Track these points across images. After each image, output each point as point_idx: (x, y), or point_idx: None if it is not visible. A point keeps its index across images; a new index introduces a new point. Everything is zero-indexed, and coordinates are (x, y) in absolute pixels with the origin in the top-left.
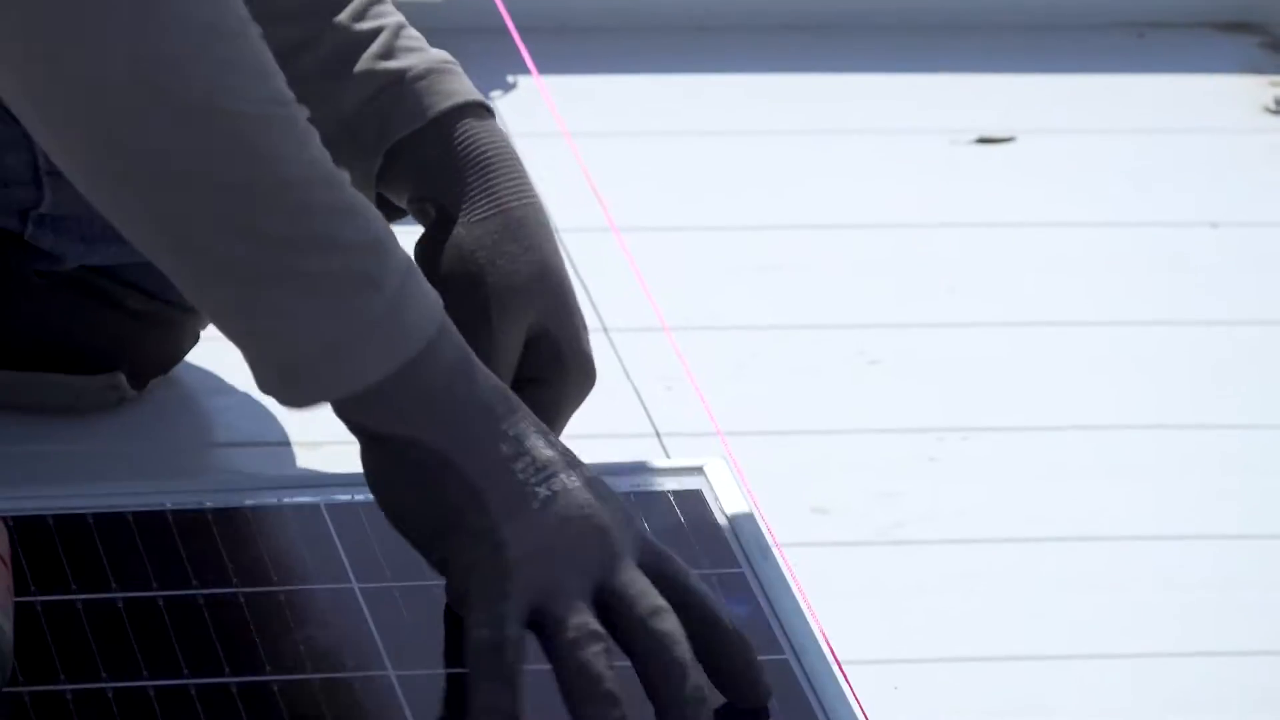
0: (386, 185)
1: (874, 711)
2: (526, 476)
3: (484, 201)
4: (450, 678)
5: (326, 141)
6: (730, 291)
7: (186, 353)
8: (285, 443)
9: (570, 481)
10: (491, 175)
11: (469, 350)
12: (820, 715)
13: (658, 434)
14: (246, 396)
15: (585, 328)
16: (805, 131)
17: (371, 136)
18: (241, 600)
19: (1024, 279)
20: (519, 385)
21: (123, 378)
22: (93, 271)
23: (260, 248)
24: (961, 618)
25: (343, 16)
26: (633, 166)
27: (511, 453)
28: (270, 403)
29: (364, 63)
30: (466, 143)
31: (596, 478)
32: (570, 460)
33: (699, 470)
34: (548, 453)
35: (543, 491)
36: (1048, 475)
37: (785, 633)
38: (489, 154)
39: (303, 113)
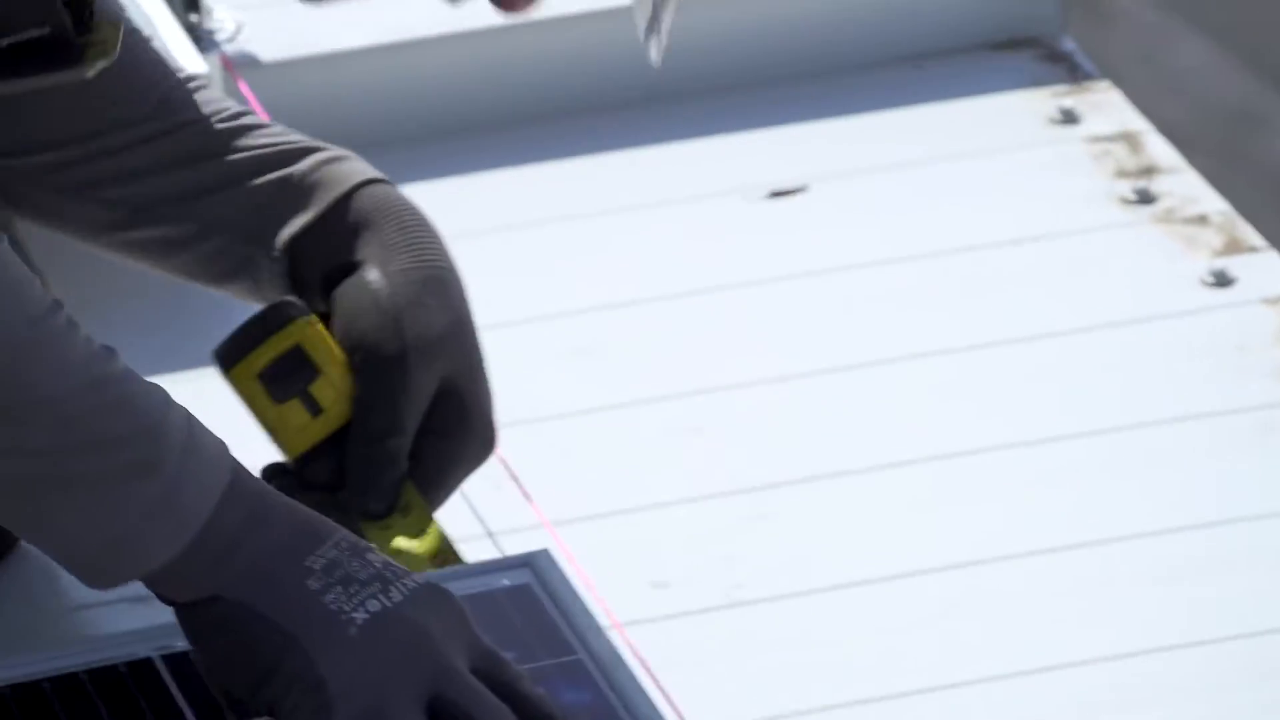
0: (299, 270)
1: None
2: (340, 604)
3: (405, 256)
4: None
5: (224, 245)
6: (546, 380)
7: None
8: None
9: (392, 598)
10: (412, 233)
11: (264, 491)
12: None
13: (490, 534)
14: None
15: (490, 394)
16: (603, 212)
17: (272, 230)
18: None
19: (831, 324)
20: (422, 435)
21: None
22: None
23: (31, 461)
24: (808, 667)
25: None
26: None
27: (320, 586)
28: None
29: (250, 171)
30: (384, 205)
31: (426, 585)
32: (393, 574)
33: (526, 564)
34: (364, 573)
35: (360, 616)
36: (880, 515)
37: (629, 711)
38: (406, 216)
39: (59, 317)
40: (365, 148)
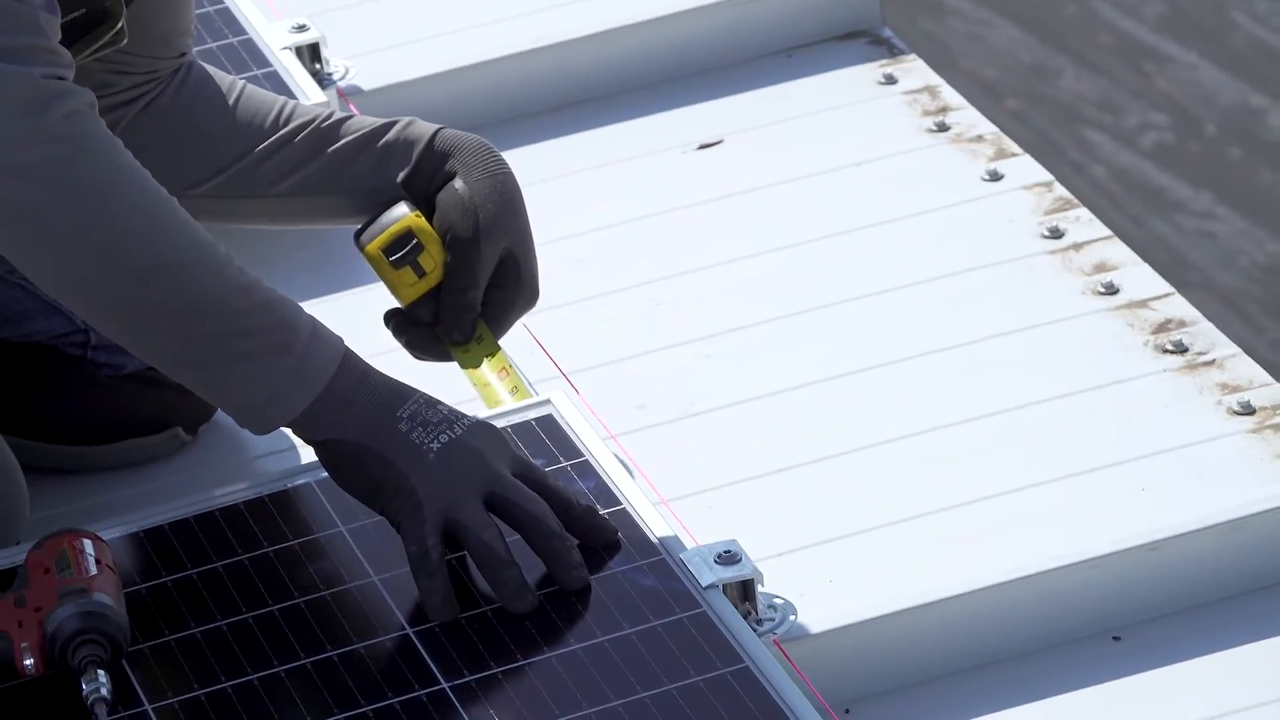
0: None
1: (694, 527)
2: (420, 439)
3: (478, 169)
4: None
5: (363, 195)
6: (560, 280)
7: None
8: (293, 446)
9: (455, 432)
10: (479, 154)
11: (368, 368)
12: (652, 538)
13: (528, 382)
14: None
15: (536, 261)
16: (595, 165)
17: (393, 175)
18: (271, 555)
19: (749, 224)
20: (490, 289)
21: (180, 430)
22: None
23: (207, 343)
24: (748, 451)
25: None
26: None
27: (407, 428)
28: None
29: (362, 144)
30: (455, 140)
31: (478, 422)
32: (454, 417)
33: (548, 402)
34: (435, 418)
35: (435, 445)
36: (799, 347)
37: (618, 488)
38: (472, 143)
39: (220, 246)
40: None
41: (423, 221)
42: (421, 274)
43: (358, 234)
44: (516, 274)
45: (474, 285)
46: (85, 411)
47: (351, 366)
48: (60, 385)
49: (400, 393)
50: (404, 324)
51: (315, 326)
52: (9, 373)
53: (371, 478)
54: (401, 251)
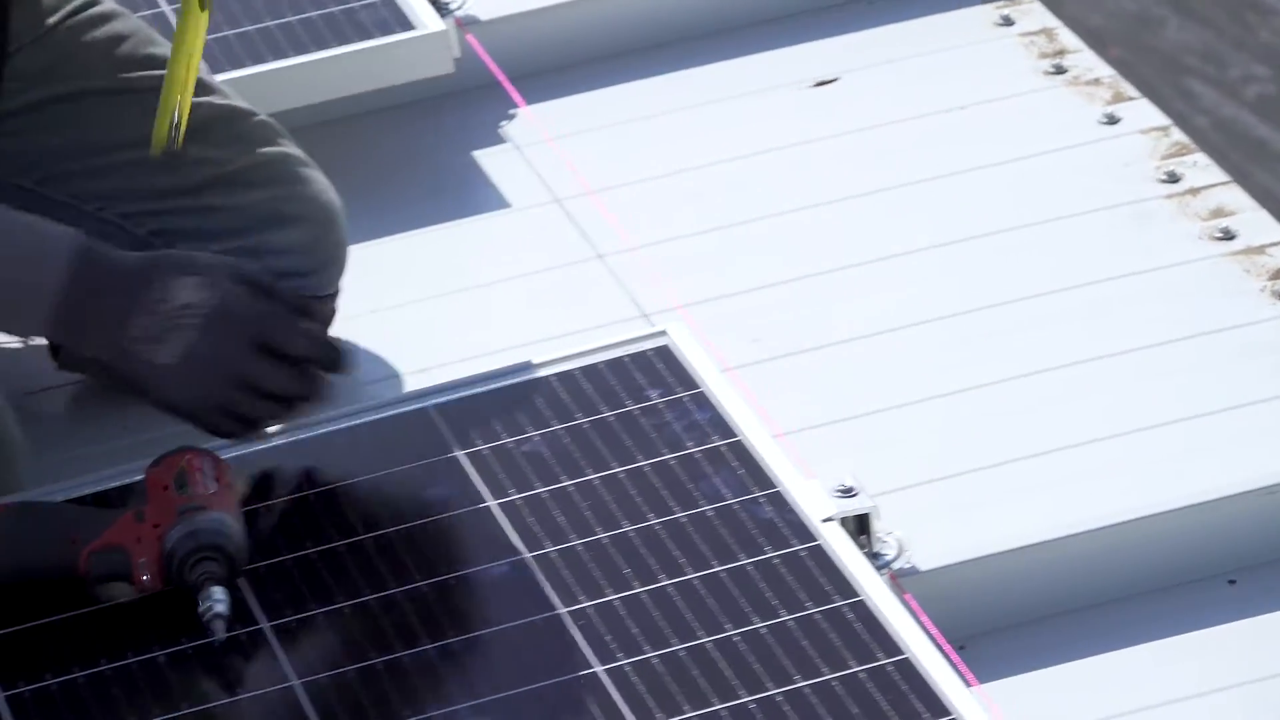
0: None
1: (809, 461)
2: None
3: None
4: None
5: None
6: (677, 217)
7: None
8: (401, 373)
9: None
10: None
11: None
12: (769, 471)
13: (645, 315)
14: (380, 352)
15: None
16: (709, 101)
17: None
18: (390, 477)
19: (868, 159)
20: None
21: None
22: None
23: None
24: (867, 375)
25: None
26: (595, 144)
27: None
28: (378, 358)
29: None
30: None
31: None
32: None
33: (664, 333)
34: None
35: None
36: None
37: (734, 420)
38: None
39: None
40: (549, 70)
41: None
42: None
43: None
44: None
45: None
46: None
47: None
48: None
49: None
50: None
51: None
52: None
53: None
54: None
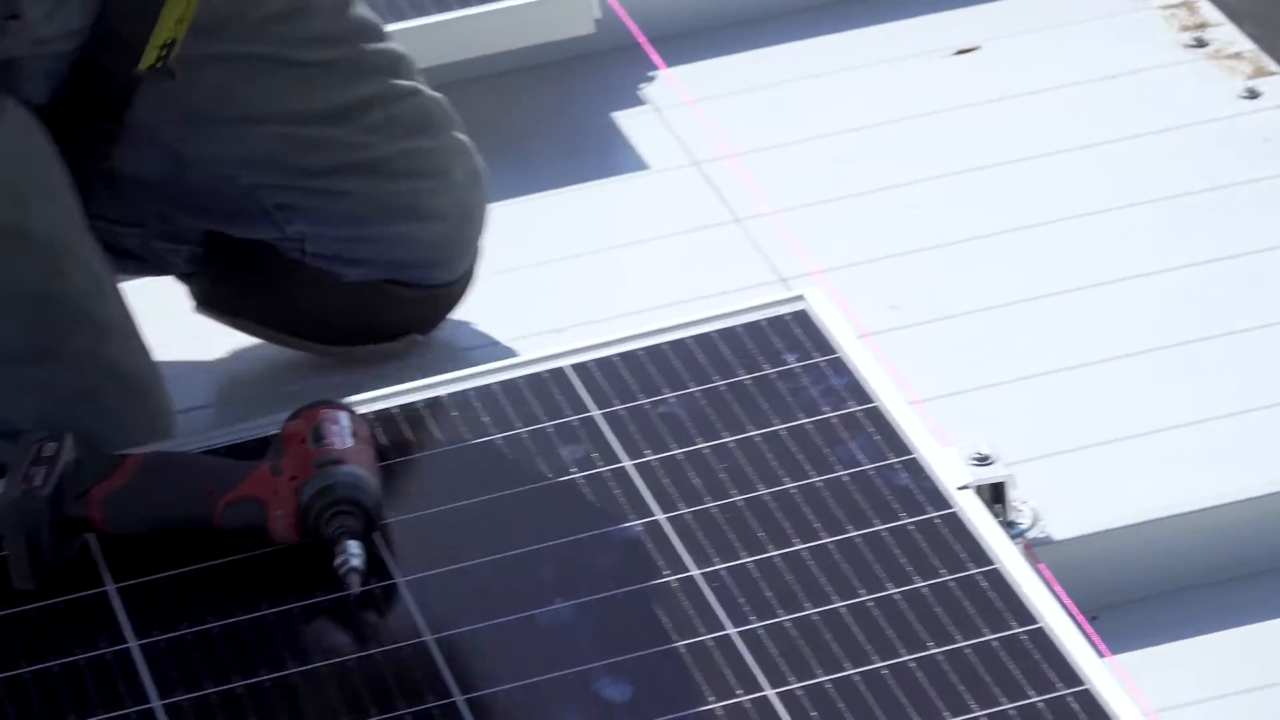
0: None
1: (945, 429)
2: None
3: None
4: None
5: None
6: (814, 182)
7: (448, 313)
8: (536, 333)
9: None
10: None
11: None
12: (905, 437)
13: (783, 279)
14: (516, 311)
15: None
16: (848, 67)
17: None
18: (518, 437)
19: (1007, 127)
20: None
21: (417, 337)
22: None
23: None
24: (1003, 345)
25: None
26: (735, 108)
27: None
28: (514, 318)
29: None
30: None
31: None
32: None
33: (802, 297)
34: None
35: None
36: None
37: (871, 386)
38: None
39: None
40: (689, 33)
41: None
42: None
43: None
44: None
45: None
46: (316, 313)
47: None
48: (289, 284)
49: None
50: None
51: None
52: (243, 265)
53: None
54: None
